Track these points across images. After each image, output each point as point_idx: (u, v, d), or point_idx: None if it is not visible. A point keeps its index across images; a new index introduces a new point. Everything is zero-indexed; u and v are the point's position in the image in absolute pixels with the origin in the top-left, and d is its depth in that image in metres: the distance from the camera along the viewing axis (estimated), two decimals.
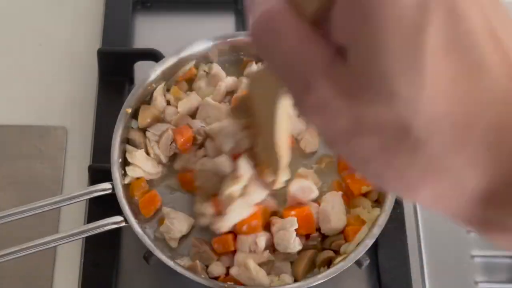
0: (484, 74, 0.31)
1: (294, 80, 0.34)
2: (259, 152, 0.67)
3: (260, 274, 0.68)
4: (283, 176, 0.64)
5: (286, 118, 0.53)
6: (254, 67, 0.79)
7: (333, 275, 0.67)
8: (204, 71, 0.80)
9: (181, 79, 0.79)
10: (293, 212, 0.70)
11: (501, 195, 0.32)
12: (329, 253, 0.70)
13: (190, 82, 0.80)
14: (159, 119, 0.76)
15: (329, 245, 0.71)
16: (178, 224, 0.70)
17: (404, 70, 0.30)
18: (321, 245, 0.71)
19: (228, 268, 0.70)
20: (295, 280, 0.69)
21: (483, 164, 0.31)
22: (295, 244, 0.69)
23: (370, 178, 0.35)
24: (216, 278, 0.69)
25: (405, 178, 0.33)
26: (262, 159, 0.67)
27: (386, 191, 0.36)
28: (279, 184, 0.65)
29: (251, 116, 0.63)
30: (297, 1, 0.34)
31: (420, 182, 0.33)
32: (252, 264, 0.68)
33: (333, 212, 0.70)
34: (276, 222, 0.70)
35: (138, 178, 0.73)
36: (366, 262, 0.70)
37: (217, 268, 0.69)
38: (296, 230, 0.69)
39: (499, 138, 0.31)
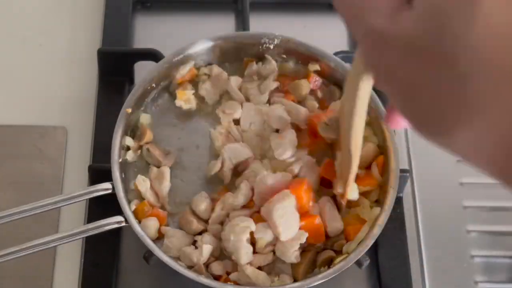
0: None
1: (359, 27, 0.37)
2: (337, 166, 0.71)
3: (261, 278, 0.68)
4: (353, 188, 0.68)
5: (362, 126, 0.58)
6: (254, 66, 0.79)
7: (333, 275, 0.67)
8: (205, 74, 0.80)
9: (182, 80, 0.79)
10: (302, 223, 0.69)
11: None
12: (329, 253, 0.70)
13: (192, 82, 0.80)
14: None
15: (331, 245, 0.71)
16: (177, 242, 0.70)
17: (460, 7, 0.32)
18: (323, 245, 0.71)
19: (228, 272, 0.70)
20: (295, 281, 0.69)
21: None
22: (292, 257, 0.69)
23: (412, 118, 0.37)
24: (218, 278, 0.69)
25: (446, 115, 0.34)
26: (339, 172, 0.70)
27: (426, 135, 0.37)
28: (348, 196, 0.69)
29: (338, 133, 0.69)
30: None
31: (461, 121, 0.33)
32: (249, 269, 0.68)
33: (327, 218, 0.71)
34: None
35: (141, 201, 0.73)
36: (366, 262, 0.70)
37: (219, 268, 0.69)
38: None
39: None
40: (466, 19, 0.32)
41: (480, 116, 0.32)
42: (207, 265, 0.70)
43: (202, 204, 0.72)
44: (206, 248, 0.68)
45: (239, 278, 0.68)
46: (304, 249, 0.70)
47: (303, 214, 0.70)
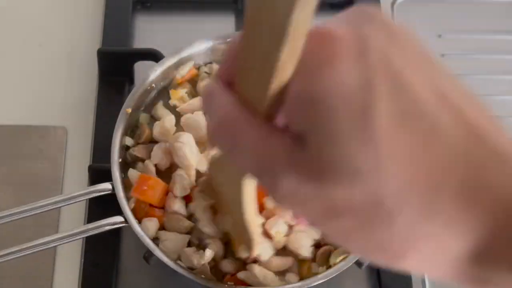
0: (440, 138, 0.31)
1: (261, 175, 0.35)
2: (229, 229, 0.68)
3: (269, 277, 0.68)
4: (257, 248, 0.65)
5: (252, 197, 0.53)
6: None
7: (333, 275, 0.67)
8: (206, 72, 0.80)
9: (182, 80, 0.79)
10: None
11: (488, 252, 0.32)
12: (328, 247, 0.70)
13: (192, 83, 0.80)
14: None
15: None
16: (171, 245, 0.69)
17: (359, 148, 0.31)
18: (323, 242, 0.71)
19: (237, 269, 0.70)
20: (301, 279, 0.69)
21: (464, 224, 0.32)
22: (307, 252, 0.69)
23: (355, 253, 0.36)
24: (224, 276, 0.69)
25: (387, 251, 0.33)
26: (234, 236, 0.68)
27: (373, 263, 0.36)
28: (255, 254, 0.66)
29: (217, 197, 0.65)
30: (248, 101, 0.35)
31: (403, 252, 0.33)
32: (257, 269, 0.68)
33: None
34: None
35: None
36: (366, 262, 0.70)
37: (229, 266, 0.69)
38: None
39: (473, 197, 0.31)
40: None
41: (423, 242, 0.32)
42: (215, 265, 0.70)
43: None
44: (208, 252, 0.68)
45: (247, 277, 0.68)
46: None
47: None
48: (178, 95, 0.78)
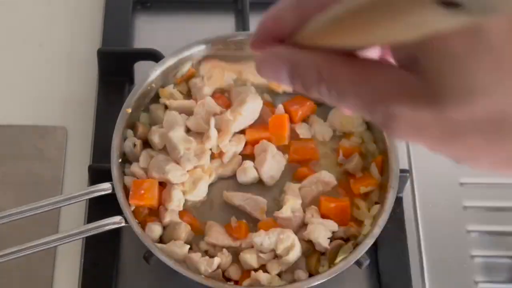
0: None
1: (374, 110, 0.35)
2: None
3: (274, 282, 0.68)
4: None
5: None
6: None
7: (333, 275, 0.67)
8: (202, 76, 0.80)
9: (180, 81, 0.79)
10: (333, 205, 0.72)
11: None
12: (339, 241, 0.71)
13: (189, 83, 0.80)
14: None
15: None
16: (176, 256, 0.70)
17: (478, 65, 0.30)
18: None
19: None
20: (310, 275, 0.69)
21: None
22: (325, 243, 0.70)
23: (486, 169, 0.35)
24: (228, 281, 0.70)
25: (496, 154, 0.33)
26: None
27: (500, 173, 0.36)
28: None
29: None
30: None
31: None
32: (263, 277, 0.68)
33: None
34: (315, 214, 0.72)
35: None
36: (366, 262, 0.70)
37: (235, 273, 0.70)
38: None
39: None
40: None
41: None
42: (223, 271, 0.70)
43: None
44: (217, 260, 0.68)
45: (252, 284, 0.69)
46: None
47: (332, 199, 0.73)
48: (167, 93, 0.78)
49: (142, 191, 0.70)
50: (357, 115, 0.37)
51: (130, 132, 0.76)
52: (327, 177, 0.74)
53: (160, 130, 0.75)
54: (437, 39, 0.31)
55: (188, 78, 0.80)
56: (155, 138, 0.74)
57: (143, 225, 0.71)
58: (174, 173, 0.71)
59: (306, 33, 0.36)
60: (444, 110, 0.32)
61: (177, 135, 0.73)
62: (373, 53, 0.36)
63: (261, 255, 0.69)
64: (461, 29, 0.30)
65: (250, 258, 0.69)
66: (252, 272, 0.68)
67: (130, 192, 0.70)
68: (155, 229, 0.70)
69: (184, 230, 0.71)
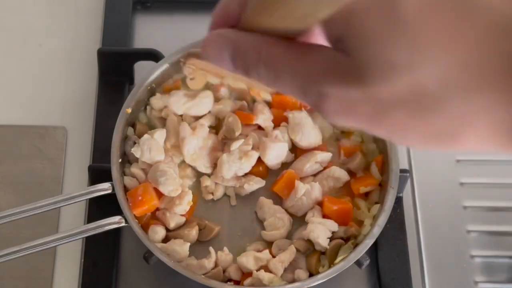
0: (474, 9, 0.30)
1: (307, 92, 0.35)
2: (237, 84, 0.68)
3: (275, 281, 0.69)
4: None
5: None
6: None
7: (333, 275, 0.67)
8: (185, 76, 0.79)
9: (168, 88, 0.79)
10: (335, 207, 0.72)
11: None
12: (338, 241, 0.71)
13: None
14: None
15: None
16: (177, 255, 0.70)
17: (394, 41, 0.31)
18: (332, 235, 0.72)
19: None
20: (311, 274, 0.70)
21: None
22: (325, 243, 0.70)
23: (415, 146, 0.36)
24: (228, 281, 0.70)
25: (444, 135, 0.33)
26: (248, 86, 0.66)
27: (433, 150, 0.37)
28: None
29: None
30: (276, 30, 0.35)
31: (459, 132, 0.33)
32: (262, 274, 0.68)
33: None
34: (317, 214, 0.72)
35: None
36: (366, 262, 0.70)
37: (236, 273, 0.70)
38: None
39: None
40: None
41: (474, 120, 0.33)
42: (224, 270, 0.71)
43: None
44: (212, 250, 0.69)
45: (253, 283, 0.69)
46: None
47: (335, 201, 0.73)
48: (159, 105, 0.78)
49: (140, 198, 0.70)
50: (294, 98, 0.38)
51: (131, 130, 0.76)
52: (337, 172, 0.74)
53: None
54: (357, 17, 0.31)
55: (175, 87, 0.79)
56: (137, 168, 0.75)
57: (145, 228, 0.71)
58: (166, 187, 0.71)
59: (244, 17, 0.37)
60: (370, 87, 0.32)
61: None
62: (312, 38, 0.36)
63: (258, 255, 0.69)
64: (377, 4, 0.31)
65: (246, 262, 0.69)
66: (254, 272, 0.69)
67: (130, 204, 0.70)
68: (158, 231, 0.70)
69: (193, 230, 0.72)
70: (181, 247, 0.69)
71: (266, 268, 0.69)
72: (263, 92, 0.66)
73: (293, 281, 0.69)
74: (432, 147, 0.35)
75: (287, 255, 0.70)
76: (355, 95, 0.33)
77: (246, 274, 0.70)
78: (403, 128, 0.34)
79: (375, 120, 0.34)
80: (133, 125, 0.77)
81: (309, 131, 0.75)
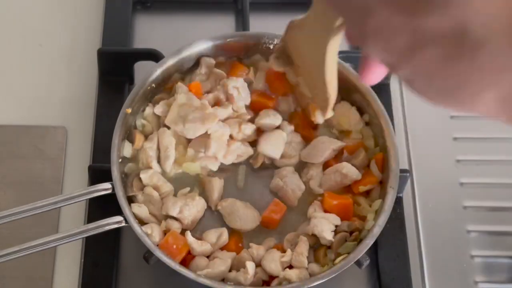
0: None
1: (353, 10, 0.36)
2: (304, 92, 0.72)
3: (294, 275, 0.69)
4: (331, 108, 0.67)
5: (335, 58, 0.56)
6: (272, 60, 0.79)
7: (333, 275, 0.67)
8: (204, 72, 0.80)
9: (170, 87, 0.79)
10: (335, 202, 0.73)
11: None
12: (344, 234, 0.72)
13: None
14: None
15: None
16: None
17: None
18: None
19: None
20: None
21: None
22: (329, 237, 0.70)
23: (434, 96, 0.36)
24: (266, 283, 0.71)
25: (469, 85, 0.34)
26: (311, 99, 0.72)
27: (449, 107, 0.37)
28: (329, 115, 0.68)
29: (292, 62, 0.69)
30: None
31: (484, 86, 0.33)
32: (292, 273, 0.69)
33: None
34: (318, 209, 0.73)
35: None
36: (366, 262, 0.70)
37: (264, 274, 0.70)
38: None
39: None
40: None
41: (505, 75, 0.33)
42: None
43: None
44: (250, 265, 0.69)
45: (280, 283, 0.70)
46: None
47: (335, 197, 0.74)
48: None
49: (174, 246, 0.70)
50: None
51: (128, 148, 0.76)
52: (345, 169, 0.75)
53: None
54: None
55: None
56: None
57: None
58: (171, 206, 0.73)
59: None
60: (416, 16, 0.33)
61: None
62: None
63: (282, 259, 0.70)
64: None
65: (275, 267, 0.70)
66: (281, 273, 0.69)
67: (168, 255, 0.68)
68: (155, 228, 0.70)
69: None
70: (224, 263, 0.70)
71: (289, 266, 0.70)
72: (318, 113, 0.73)
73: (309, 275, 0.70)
74: (447, 103, 0.35)
75: (303, 246, 0.70)
76: (396, 23, 0.34)
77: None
78: (430, 72, 0.35)
79: (407, 54, 0.34)
80: (129, 134, 0.76)
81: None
